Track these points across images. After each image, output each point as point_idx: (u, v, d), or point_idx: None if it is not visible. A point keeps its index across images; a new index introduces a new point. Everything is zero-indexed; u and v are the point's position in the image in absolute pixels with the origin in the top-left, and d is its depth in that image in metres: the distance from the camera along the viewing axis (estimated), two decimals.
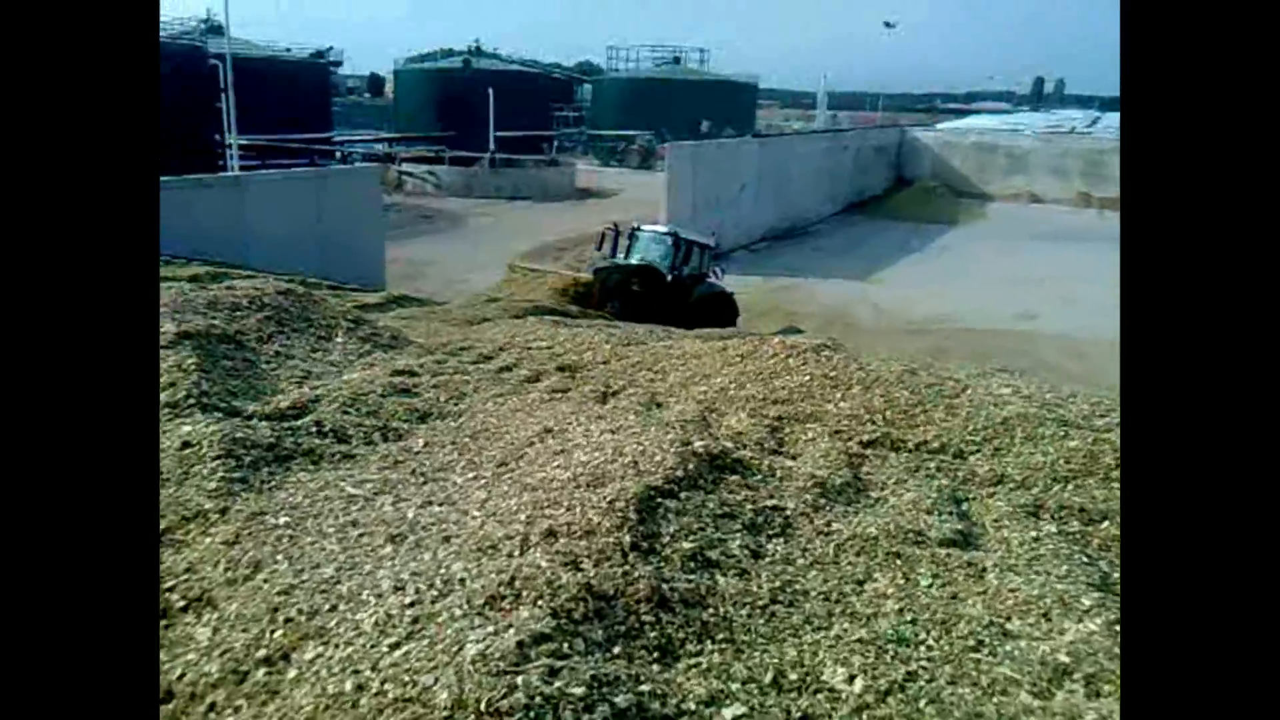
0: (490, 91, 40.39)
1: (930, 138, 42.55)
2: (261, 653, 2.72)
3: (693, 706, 2.41)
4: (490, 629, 2.51)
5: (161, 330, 5.75)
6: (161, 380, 5.11)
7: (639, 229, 18.94)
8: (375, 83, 78.38)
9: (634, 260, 17.98)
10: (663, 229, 18.71)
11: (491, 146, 40.31)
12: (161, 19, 32.17)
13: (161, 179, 18.47)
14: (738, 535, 3.46)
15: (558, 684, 2.29)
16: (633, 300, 16.79)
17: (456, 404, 5.72)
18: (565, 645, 2.50)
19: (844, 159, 35.94)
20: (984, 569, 3.38)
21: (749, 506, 3.72)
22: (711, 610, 2.91)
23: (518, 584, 2.75)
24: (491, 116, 40.10)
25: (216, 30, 38.97)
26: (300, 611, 2.85)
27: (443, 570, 2.94)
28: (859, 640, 2.83)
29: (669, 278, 17.56)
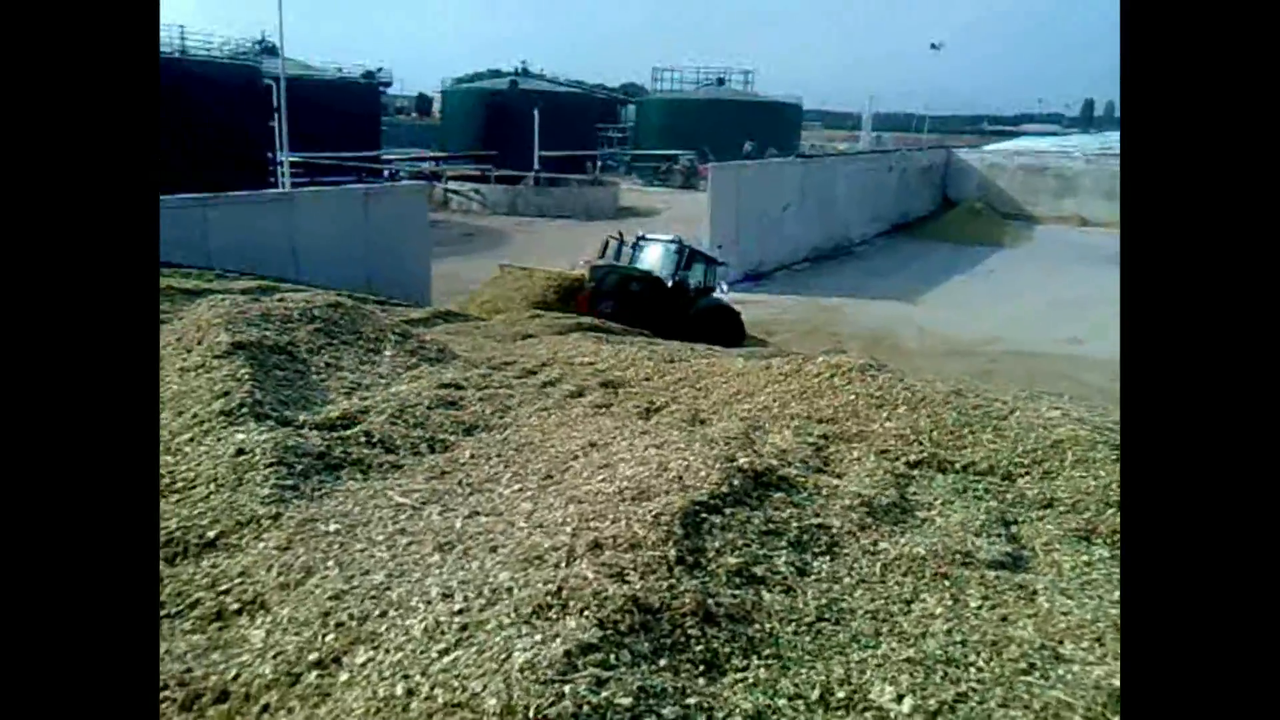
0: (535, 111, 40.89)
1: (977, 159, 42.15)
2: (314, 656, 2.76)
3: None
4: (538, 638, 2.52)
5: (216, 340, 5.90)
6: (216, 389, 5.23)
7: (644, 237, 18.58)
8: (423, 103, 79.74)
9: (638, 267, 17.56)
10: (667, 237, 18.31)
11: (535, 165, 40.75)
12: (219, 40, 33.06)
13: (216, 195, 18.98)
14: (783, 552, 3.45)
15: (605, 694, 2.30)
16: (628, 302, 16.24)
17: (501, 417, 5.77)
18: (612, 656, 2.50)
19: (889, 179, 35.74)
20: (1034, 591, 3.33)
21: (794, 524, 3.70)
22: (757, 626, 2.90)
23: (564, 594, 2.77)
24: (536, 136, 40.57)
25: (271, 51, 39.91)
26: (351, 616, 2.89)
27: (490, 579, 2.96)
28: (907, 660, 2.80)
29: (669, 284, 17.01)
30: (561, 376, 7.67)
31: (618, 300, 16.41)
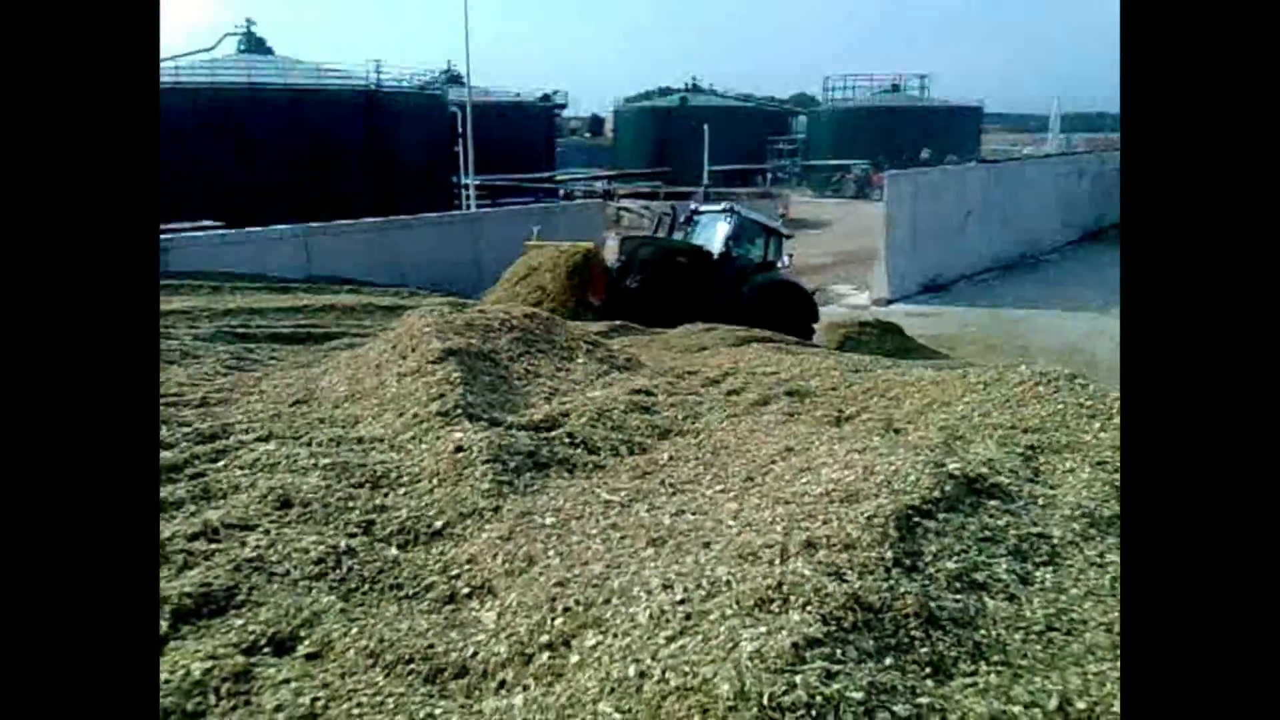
0: (705, 127, 41.29)
1: None
2: (544, 638, 2.92)
3: None
4: (763, 629, 2.56)
5: (430, 347, 6.32)
6: (432, 391, 5.61)
7: (699, 211, 16.40)
8: (595, 123, 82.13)
9: (687, 241, 15.38)
10: (719, 207, 16.08)
11: (705, 180, 41.10)
12: (407, 70, 35.25)
13: (405, 217, 20.26)
14: (1003, 560, 3.33)
15: (836, 686, 2.30)
16: (663, 279, 13.85)
17: (693, 422, 5.87)
18: (838, 652, 2.51)
19: (1080, 184, 33.62)
20: None
21: (1012, 532, 3.57)
22: (983, 632, 2.81)
23: (785, 589, 2.79)
24: (706, 151, 40.94)
25: (456, 80, 42.19)
26: (577, 602, 3.03)
27: (707, 572, 3.03)
28: None
29: (716, 256, 14.59)
30: (745, 385, 7.70)
31: (650, 276, 13.95)
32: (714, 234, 15.27)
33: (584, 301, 13.82)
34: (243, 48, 34.34)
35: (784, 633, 2.53)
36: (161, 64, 27.78)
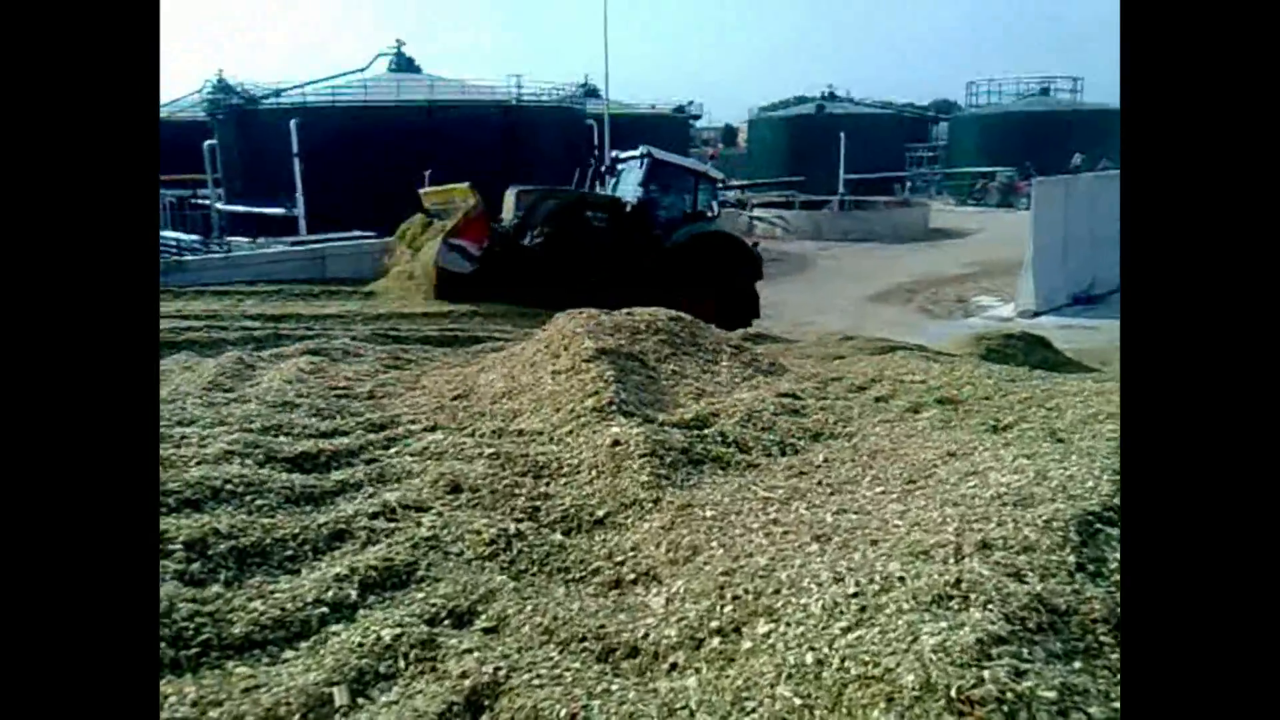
0: (842, 135, 40.65)
1: None
2: (714, 624, 2.95)
3: None
4: (944, 624, 2.52)
5: (583, 346, 6.48)
6: (587, 389, 5.75)
7: (620, 158, 14.46)
8: (729, 133, 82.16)
9: (601, 194, 13.65)
10: (637, 151, 14.04)
11: (841, 189, 40.43)
12: (546, 85, 36.21)
13: None
14: None
15: (1026, 684, 2.24)
16: (570, 234, 12.16)
17: (845, 426, 5.80)
18: (1024, 651, 2.44)
19: None
20: None
21: None
22: None
23: (964, 586, 2.74)
24: (842, 159, 40.28)
25: (593, 93, 43.04)
26: (746, 591, 3.06)
27: (879, 568, 3.00)
28: None
29: (629, 207, 12.68)
30: (893, 392, 7.53)
31: (554, 234, 12.18)
32: (633, 182, 13.40)
33: (463, 253, 12.28)
34: (392, 67, 36.11)
35: (966, 629, 2.48)
36: (318, 84, 29.56)
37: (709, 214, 14.17)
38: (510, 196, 12.98)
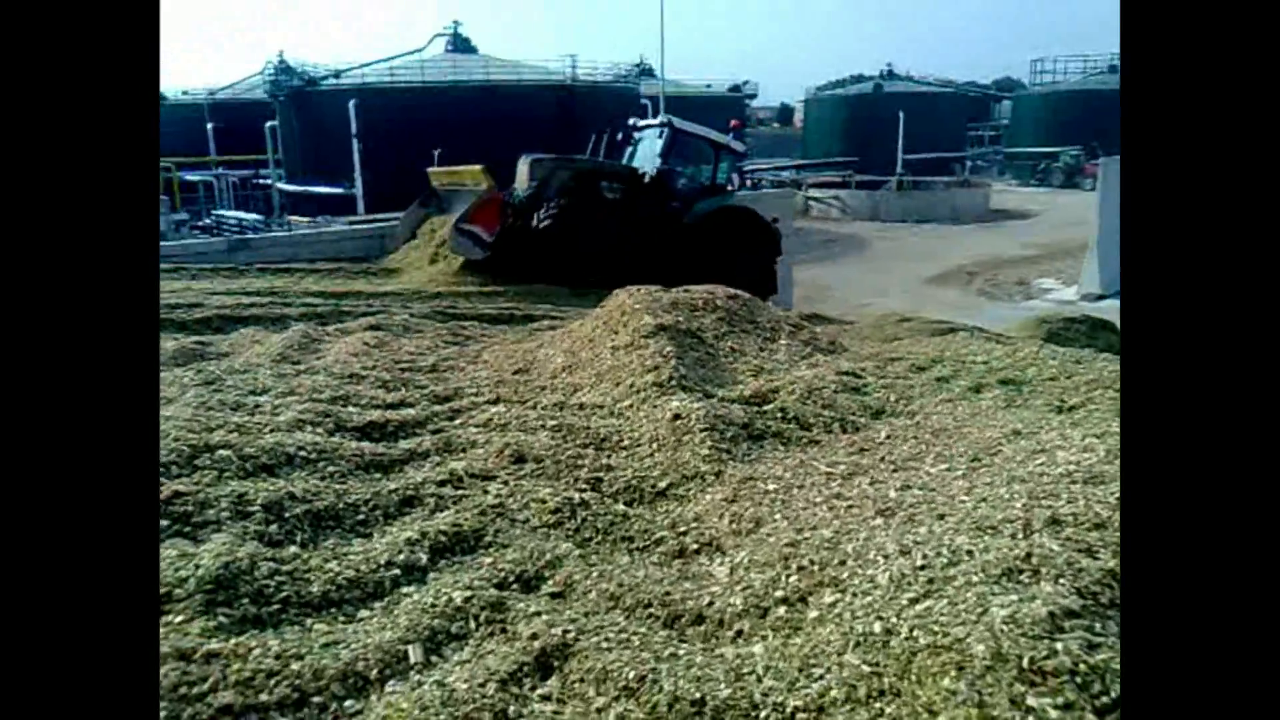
0: (900, 114, 39.92)
1: None
2: (780, 593, 2.98)
3: None
4: (1014, 597, 2.51)
5: (642, 322, 6.52)
6: (647, 364, 5.79)
7: (639, 125, 13.82)
8: (784, 113, 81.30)
9: (617, 164, 13.03)
10: (657, 120, 13.62)
11: (899, 169, 39.77)
12: (602, 64, 36.16)
13: None
14: None
15: (1100, 657, 2.22)
16: (585, 208, 11.71)
17: (907, 405, 5.76)
18: (1097, 625, 2.41)
19: None
20: None
21: None
22: None
23: (1034, 560, 2.71)
24: (900, 139, 39.59)
25: (648, 73, 42.83)
26: (811, 562, 3.08)
27: (946, 542, 2.99)
28: None
29: (646, 178, 12.12)
30: (955, 373, 7.42)
31: (568, 209, 11.65)
32: (651, 152, 12.75)
33: (474, 239, 11.92)
34: (450, 48, 36.33)
35: (1037, 602, 2.46)
36: (377, 65, 29.87)
37: (729, 187, 13.76)
38: (523, 166, 12.40)
